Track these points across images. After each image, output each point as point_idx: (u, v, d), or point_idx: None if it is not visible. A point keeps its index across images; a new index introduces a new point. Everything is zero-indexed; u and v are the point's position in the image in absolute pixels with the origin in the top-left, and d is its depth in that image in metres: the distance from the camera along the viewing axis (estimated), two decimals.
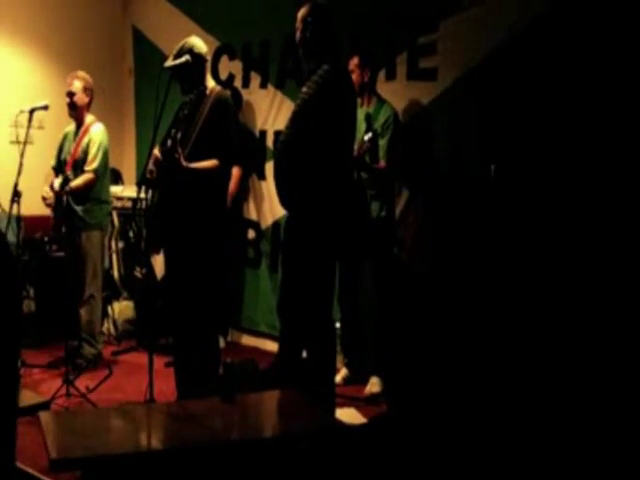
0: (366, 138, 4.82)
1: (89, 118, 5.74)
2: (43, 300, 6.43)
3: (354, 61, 5.17)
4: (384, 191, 5.23)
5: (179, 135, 4.45)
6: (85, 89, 5.66)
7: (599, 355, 4.12)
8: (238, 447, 3.28)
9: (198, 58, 4.54)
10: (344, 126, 4.18)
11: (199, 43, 4.60)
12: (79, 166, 5.62)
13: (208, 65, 4.76)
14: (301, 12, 4.24)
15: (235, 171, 5.85)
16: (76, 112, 5.69)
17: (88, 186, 5.59)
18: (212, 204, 4.55)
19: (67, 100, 5.68)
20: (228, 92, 4.85)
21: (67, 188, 5.42)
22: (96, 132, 5.68)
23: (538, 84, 4.67)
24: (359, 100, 5.24)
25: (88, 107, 5.73)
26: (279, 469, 3.22)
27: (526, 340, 4.38)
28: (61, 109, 5.81)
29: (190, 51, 4.50)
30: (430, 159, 5.31)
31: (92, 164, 5.59)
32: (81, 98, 5.66)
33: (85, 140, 5.65)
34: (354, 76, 5.08)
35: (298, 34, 4.24)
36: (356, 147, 4.80)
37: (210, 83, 4.66)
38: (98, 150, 5.61)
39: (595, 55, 4.42)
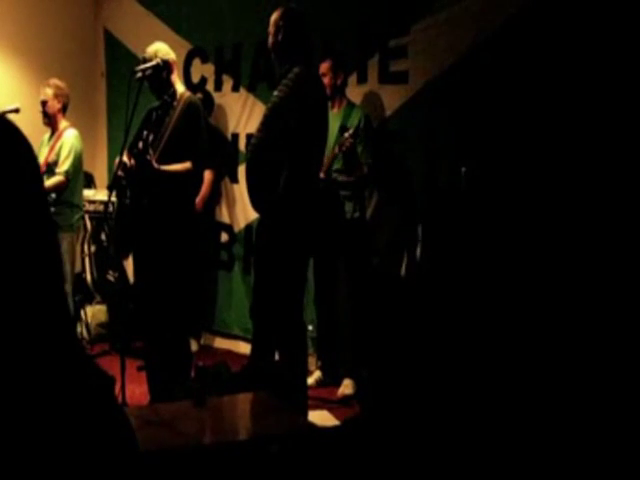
0: (347, 134, 4.84)
1: (63, 124, 5.75)
2: None
3: (326, 64, 5.19)
4: (358, 192, 5.26)
5: (150, 138, 4.47)
6: (56, 95, 5.66)
7: (581, 360, 4.15)
8: (210, 450, 3.29)
9: (164, 63, 4.58)
10: (315, 129, 4.19)
11: (164, 48, 4.65)
12: (51, 170, 5.62)
13: (177, 70, 4.78)
14: (273, 16, 4.26)
15: (207, 174, 5.86)
16: (49, 119, 5.70)
17: (58, 188, 5.60)
18: (181, 207, 4.57)
19: (41, 109, 5.69)
20: (198, 96, 4.88)
21: None
22: (68, 137, 5.68)
23: (509, 86, 4.71)
24: (329, 104, 5.26)
25: (62, 113, 5.73)
26: (251, 472, 3.23)
27: (505, 342, 4.41)
28: (34, 113, 5.77)
29: (157, 56, 4.56)
30: (402, 162, 5.35)
31: (62, 166, 5.59)
32: (52, 105, 5.66)
33: (58, 144, 5.66)
34: (326, 79, 5.10)
35: (270, 38, 4.25)
36: (336, 145, 4.86)
37: (180, 88, 4.69)
38: (69, 153, 5.61)
39: (568, 56, 4.47)
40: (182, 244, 4.61)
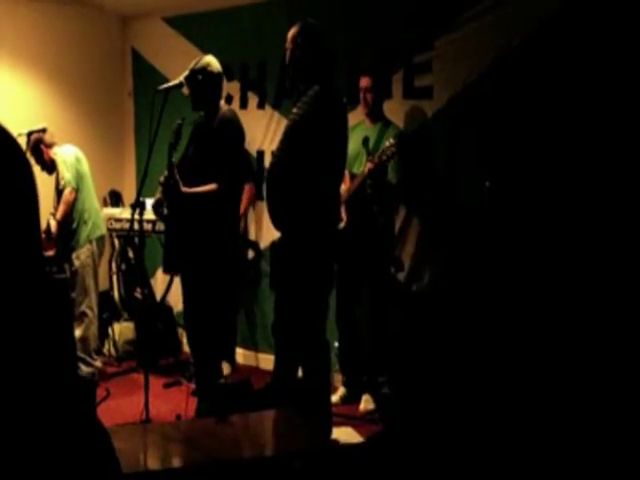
0: (389, 143, 4.77)
1: (55, 151, 5.67)
2: None
3: (367, 79, 5.18)
4: (389, 208, 5.23)
5: (174, 159, 4.47)
6: (37, 147, 5.61)
7: (593, 372, 4.11)
8: (232, 467, 3.28)
9: (210, 77, 4.58)
10: (335, 147, 4.15)
11: (214, 62, 4.64)
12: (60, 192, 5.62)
13: (222, 85, 4.74)
14: (291, 32, 4.22)
15: (247, 188, 5.93)
16: (52, 165, 5.65)
17: (69, 201, 5.52)
18: (221, 226, 4.59)
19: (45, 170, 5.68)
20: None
21: (58, 219, 5.46)
22: (57, 154, 5.62)
23: (534, 101, 4.69)
24: (365, 118, 5.25)
25: (52, 147, 5.66)
26: None
27: (523, 358, 4.37)
28: (61, 133, 5.82)
29: (202, 70, 4.55)
30: (429, 177, 5.33)
31: (62, 180, 5.53)
32: (47, 154, 5.61)
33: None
34: (366, 94, 5.11)
35: (288, 54, 4.22)
36: (375, 156, 4.81)
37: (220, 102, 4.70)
38: (63, 165, 5.54)
39: (592, 71, 4.45)
40: (223, 263, 4.64)
